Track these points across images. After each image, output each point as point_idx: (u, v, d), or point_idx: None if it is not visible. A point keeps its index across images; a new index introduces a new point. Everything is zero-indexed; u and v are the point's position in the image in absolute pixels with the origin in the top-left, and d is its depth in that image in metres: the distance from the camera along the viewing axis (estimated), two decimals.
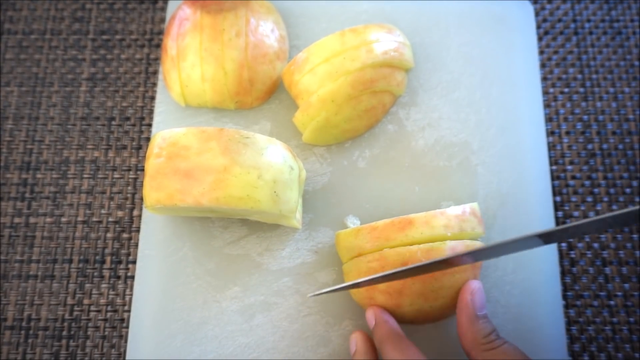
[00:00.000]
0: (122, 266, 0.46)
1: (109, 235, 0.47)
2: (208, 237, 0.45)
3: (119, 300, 0.45)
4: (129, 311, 0.45)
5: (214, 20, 0.45)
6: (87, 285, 0.46)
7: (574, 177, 0.48)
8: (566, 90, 0.51)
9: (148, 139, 0.49)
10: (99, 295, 0.45)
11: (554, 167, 0.49)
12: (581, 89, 0.51)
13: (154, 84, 0.51)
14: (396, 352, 0.36)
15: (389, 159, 0.47)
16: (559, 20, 0.53)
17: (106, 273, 0.46)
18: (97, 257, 0.46)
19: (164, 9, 0.54)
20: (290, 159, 0.41)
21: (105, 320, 0.45)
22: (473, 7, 0.51)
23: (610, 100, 0.50)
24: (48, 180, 0.48)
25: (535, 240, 0.35)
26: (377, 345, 0.38)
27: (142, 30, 0.53)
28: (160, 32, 0.53)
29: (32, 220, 0.47)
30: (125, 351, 0.44)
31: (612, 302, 0.45)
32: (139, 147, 0.49)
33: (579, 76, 0.51)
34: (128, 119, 0.50)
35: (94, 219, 0.47)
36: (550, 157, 0.49)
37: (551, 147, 0.49)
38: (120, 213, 0.47)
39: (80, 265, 0.46)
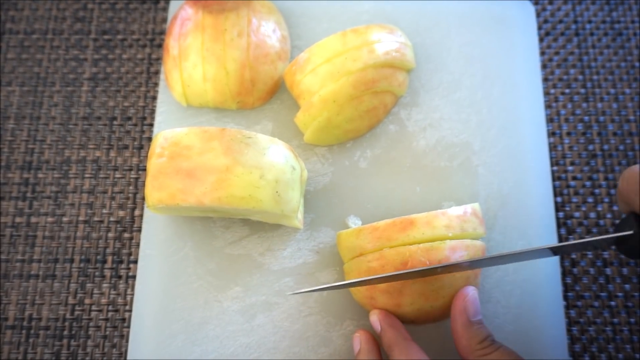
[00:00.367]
0: (123, 266, 0.46)
1: (110, 234, 0.47)
2: (209, 237, 0.45)
3: (120, 300, 0.45)
4: (130, 311, 0.45)
5: (216, 20, 0.45)
6: (89, 285, 0.46)
7: (575, 178, 0.48)
8: (567, 91, 0.51)
9: (149, 139, 0.49)
10: (100, 294, 0.45)
11: (555, 168, 0.49)
12: (582, 90, 0.51)
13: (156, 84, 0.51)
14: (402, 355, 0.36)
15: (391, 159, 0.47)
16: (560, 22, 0.53)
17: (107, 273, 0.46)
18: (99, 257, 0.46)
19: (165, 9, 0.54)
20: (292, 159, 0.41)
21: (107, 319, 0.45)
22: (474, 8, 0.51)
23: (611, 101, 0.51)
24: (49, 180, 0.48)
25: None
26: (385, 350, 0.38)
27: (144, 30, 0.53)
28: (162, 32, 0.53)
29: (33, 219, 0.47)
30: (126, 351, 0.44)
31: (612, 303, 0.45)
32: (141, 147, 0.49)
33: (580, 77, 0.51)
34: (130, 118, 0.50)
35: (96, 218, 0.47)
36: (551, 158, 0.49)
37: (552, 148, 0.49)
38: (121, 213, 0.47)
39: (82, 264, 0.46)
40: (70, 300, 0.45)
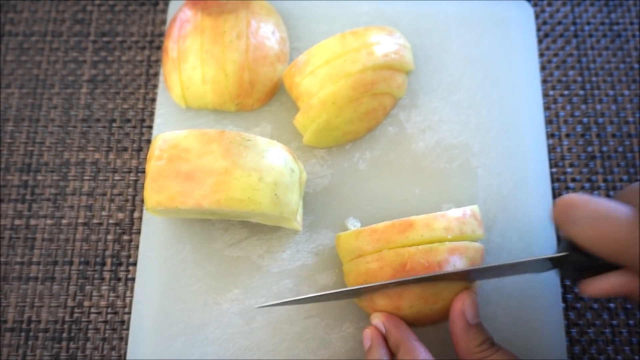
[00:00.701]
0: (122, 268, 0.46)
1: (109, 237, 0.47)
2: (208, 239, 0.45)
3: (119, 302, 0.45)
4: (129, 313, 0.45)
5: (215, 22, 0.45)
6: (88, 287, 0.46)
7: (574, 180, 0.48)
8: (566, 92, 0.51)
9: (149, 141, 0.49)
10: (100, 297, 0.45)
11: (554, 170, 0.49)
12: (581, 92, 0.51)
13: (155, 86, 0.51)
14: (408, 355, 0.37)
15: (390, 161, 0.47)
16: (559, 23, 0.53)
17: (106, 275, 0.46)
18: (98, 259, 0.46)
19: (164, 11, 0.54)
20: (291, 161, 0.41)
21: (106, 322, 0.45)
22: (473, 9, 0.51)
23: (610, 103, 0.51)
24: (49, 182, 0.48)
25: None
26: (392, 350, 0.38)
27: (143, 32, 0.53)
28: (161, 34, 0.53)
29: (32, 222, 0.47)
30: (125, 353, 0.44)
31: (611, 305, 0.45)
32: (140, 149, 0.49)
33: (579, 78, 0.51)
34: (129, 120, 0.50)
35: (95, 221, 0.47)
36: (550, 159, 0.49)
37: (551, 149, 0.49)
38: (120, 215, 0.47)
39: (81, 267, 0.46)
40: (70, 303, 0.45)
